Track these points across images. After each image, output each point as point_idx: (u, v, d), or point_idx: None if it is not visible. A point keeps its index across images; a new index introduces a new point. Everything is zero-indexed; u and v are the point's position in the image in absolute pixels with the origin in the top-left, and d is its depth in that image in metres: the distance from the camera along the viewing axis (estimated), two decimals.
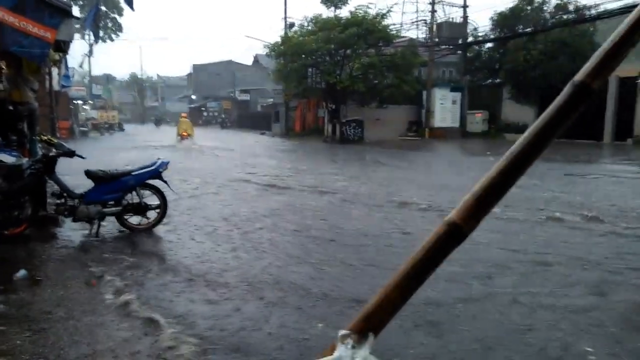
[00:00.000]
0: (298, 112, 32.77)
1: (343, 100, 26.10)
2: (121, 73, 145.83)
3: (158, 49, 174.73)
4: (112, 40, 39.78)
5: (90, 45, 32.59)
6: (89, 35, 30.08)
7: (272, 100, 41.13)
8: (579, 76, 1.27)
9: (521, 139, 1.28)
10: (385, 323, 1.14)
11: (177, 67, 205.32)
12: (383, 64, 24.83)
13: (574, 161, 14.37)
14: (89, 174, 5.78)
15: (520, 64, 22.88)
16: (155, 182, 6.05)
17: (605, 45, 1.29)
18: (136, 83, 77.06)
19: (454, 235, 1.17)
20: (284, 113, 34.94)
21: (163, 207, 6.03)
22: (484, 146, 20.45)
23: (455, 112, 26.35)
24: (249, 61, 57.66)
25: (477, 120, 26.33)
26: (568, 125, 1.32)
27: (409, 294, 1.15)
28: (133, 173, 5.85)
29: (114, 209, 5.79)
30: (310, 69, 26.92)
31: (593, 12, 22.27)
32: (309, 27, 26.35)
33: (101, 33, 35.88)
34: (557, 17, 24.08)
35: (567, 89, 1.28)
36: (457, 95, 26.36)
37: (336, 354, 1.03)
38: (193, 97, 62.27)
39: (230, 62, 58.75)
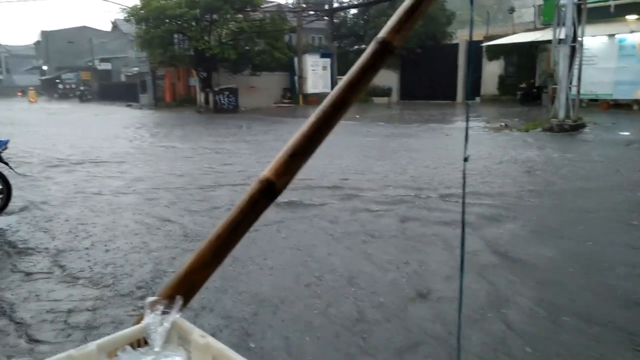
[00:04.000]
0: (167, 81, 31.11)
1: (214, 68, 25.25)
2: None
3: None
4: None
5: None
6: None
7: (137, 69, 38.33)
8: (382, 34, 1.34)
9: (331, 94, 1.34)
10: (200, 285, 1.13)
11: (23, 34, 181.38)
12: (252, 30, 24.37)
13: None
14: None
15: None
16: None
17: (404, 5, 1.37)
18: None
19: (267, 191, 1.20)
20: (151, 82, 32.87)
21: (7, 191, 5.38)
22: (353, 110, 21.25)
23: (327, 78, 26.96)
24: (107, 27, 52.89)
25: None
26: (372, 80, 1.40)
27: (224, 254, 1.16)
28: None
29: None
30: (176, 35, 25.46)
31: None
32: None
33: None
34: None
35: (371, 46, 1.34)
36: (327, 62, 26.93)
37: (144, 322, 1.00)
38: (44, 67, 55.66)
39: (84, 28, 53.30)
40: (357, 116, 18.16)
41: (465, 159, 1.69)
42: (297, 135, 1.23)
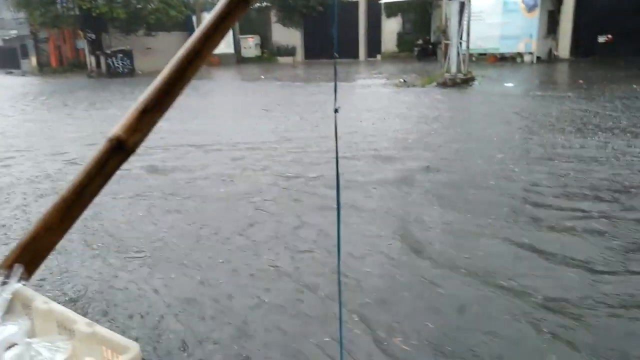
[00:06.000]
0: (51, 45, 28.32)
1: (104, 29, 23.36)
2: None
3: None
4: None
5: None
6: None
7: (15, 32, 34.40)
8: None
9: (184, 46, 1.29)
10: (46, 252, 1.08)
11: None
12: None
13: None
14: None
15: None
16: None
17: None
18: None
19: (118, 150, 1.15)
20: (33, 46, 29.78)
21: None
22: (258, 70, 20.93)
23: (228, 37, 26.05)
24: None
25: (250, 44, 26.58)
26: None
27: (72, 218, 1.10)
28: None
29: None
30: None
31: None
32: None
33: None
34: None
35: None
36: None
37: None
38: None
39: None
40: (262, 77, 17.89)
41: (336, 111, 1.74)
42: (149, 89, 1.18)
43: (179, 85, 1.22)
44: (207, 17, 1.28)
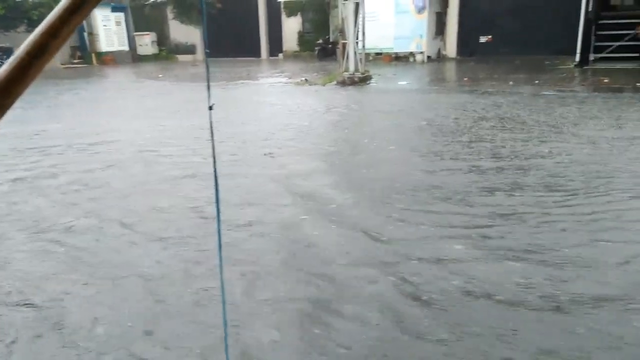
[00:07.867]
0: None
1: None
2: None
3: None
4: None
5: None
6: None
7: None
8: None
9: (28, 39, 1.20)
10: None
11: None
12: None
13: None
14: None
15: None
16: None
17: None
18: None
19: None
20: None
21: None
22: (156, 68, 20.10)
23: (122, 34, 24.69)
24: None
25: (146, 42, 25.42)
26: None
27: None
28: None
29: None
30: None
31: None
32: None
33: None
34: None
35: None
36: (121, 16, 24.59)
37: None
38: None
39: None
40: (160, 75, 17.21)
41: (210, 107, 1.73)
42: None
43: (20, 84, 1.12)
44: (55, 9, 1.21)
